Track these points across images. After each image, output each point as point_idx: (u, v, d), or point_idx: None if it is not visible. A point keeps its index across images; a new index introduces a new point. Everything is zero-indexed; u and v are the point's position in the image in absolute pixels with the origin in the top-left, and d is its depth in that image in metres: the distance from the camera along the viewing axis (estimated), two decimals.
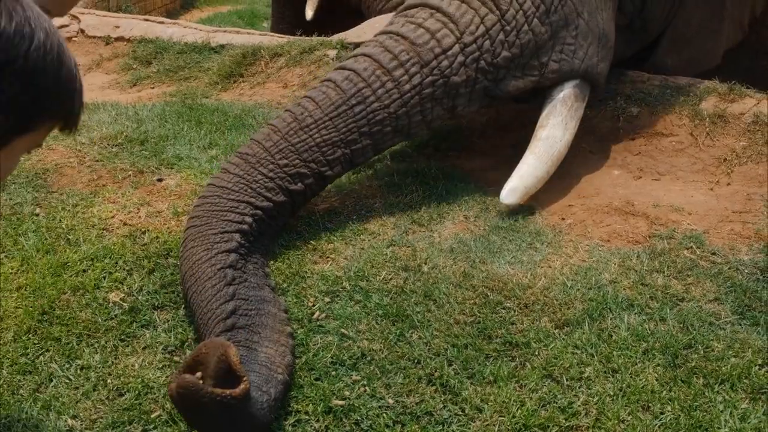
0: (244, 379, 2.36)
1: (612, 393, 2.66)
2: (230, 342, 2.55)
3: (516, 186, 3.85)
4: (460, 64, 3.76)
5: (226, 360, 2.37)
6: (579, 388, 2.70)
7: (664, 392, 2.66)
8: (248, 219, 3.28)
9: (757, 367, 2.76)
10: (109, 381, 2.79)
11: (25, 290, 3.25)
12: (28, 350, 2.94)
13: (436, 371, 2.77)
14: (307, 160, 3.53)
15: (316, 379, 2.76)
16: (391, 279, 3.30)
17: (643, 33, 4.79)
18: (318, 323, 3.05)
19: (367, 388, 2.71)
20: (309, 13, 6.79)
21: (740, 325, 3.01)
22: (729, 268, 3.34)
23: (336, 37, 6.64)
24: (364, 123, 3.64)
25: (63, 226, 3.66)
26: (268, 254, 3.42)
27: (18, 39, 1.59)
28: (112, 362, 2.88)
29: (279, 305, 3.01)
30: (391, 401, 2.66)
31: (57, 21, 8.06)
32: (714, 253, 3.46)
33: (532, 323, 3.01)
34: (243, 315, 2.87)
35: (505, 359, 2.84)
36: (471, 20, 3.81)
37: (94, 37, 7.84)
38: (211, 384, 2.34)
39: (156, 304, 3.18)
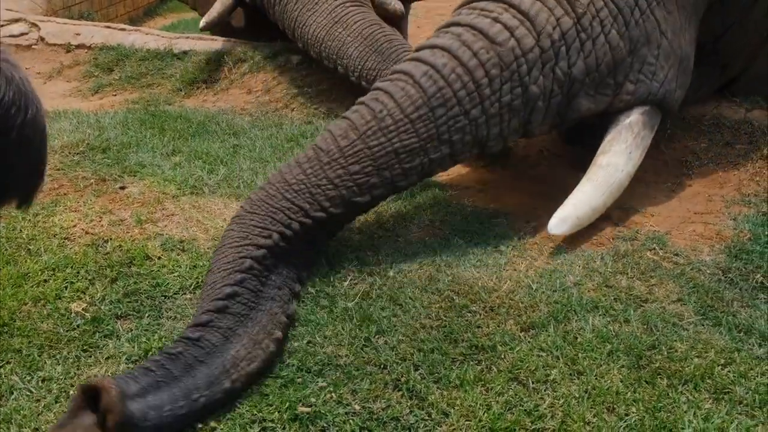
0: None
1: (577, 395, 2.67)
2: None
3: (567, 215, 3.53)
4: (538, 71, 3.45)
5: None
6: (545, 390, 2.71)
7: (629, 393, 2.67)
8: (295, 225, 3.15)
9: (720, 367, 2.79)
10: (71, 393, 2.74)
11: None
12: None
13: (402, 376, 2.77)
14: (381, 167, 3.28)
15: (282, 386, 2.74)
16: (356, 284, 3.29)
17: (716, 65, 4.38)
18: None
19: (333, 394, 2.70)
20: (201, 23, 6.67)
21: (703, 325, 3.04)
22: (691, 269, 3.38)
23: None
24: (445, 129, 3.35)
25: (23, 236, 3.61)
26: (310, 260, 3.33)
27: (14, 109, 1.46)
28: (75, 373, 2.84)
29: (286, 310, 3.00)
30: (357, 407, 2.65)
31: (17, 28, 7.97)
32: (677, 254, 3.49)
33: (498, 326, 3.02)
34: (240, 303, 2.87)
35: (471, 363, 2.84)
36: (546, 20, 3.46)
37: (55, 44, 7.75)
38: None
39: (119, 313, 3.14)
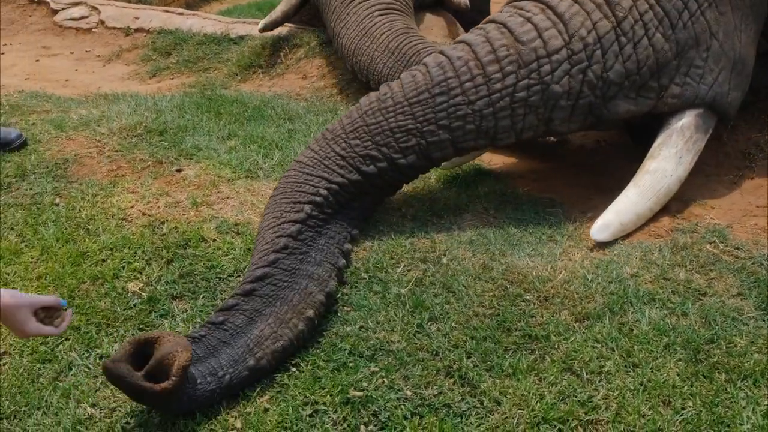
0: (171, 380, 2.41)
1: (632, 387, 2.63)
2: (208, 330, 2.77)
3: (610, 222, 3.49)
4: (564, 72, 3.44)
5: (171, 363, 2.44)
6: (599, 382, 2.67)
7: (686, 387, 2.63)
8: (322, 191, 3.30)
9: None
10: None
11: (45, 279, 3.26)
12: (48, 339, 2.95)
13: (454, 363, 2.76)
14: (379, 144, 3.43)
15: (334, 370, 2.75)
16: (410, 270, 3.28)
17: None
18: (337, 314, 3.04)
19: (385, 379, 2.70)
20: (260, 24, 6.58)
21: (763, 320, 2.96)
22: (752, 263, 3.30)
23: None
24: (444, 116, 3.43)
25: (82, 215, 3.67)
26: (352, 233, 3.42)
27: None
28: None
29: (325, 287, 3.03)
30: (409, 393, 2.65)
31: (77, 12, 8.10)
32: (737, 248, 3.41)
33: (552, 316, 2.99)
34: (270, 284, 2.93)
35: (524, 352, 2.82)
36: (582, 23, 3.45)
37: (114, 28, 7.86)
38: (145, 371, 2.45)
39: (174, 294, 3.18)
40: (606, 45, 3.46)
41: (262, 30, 6.60)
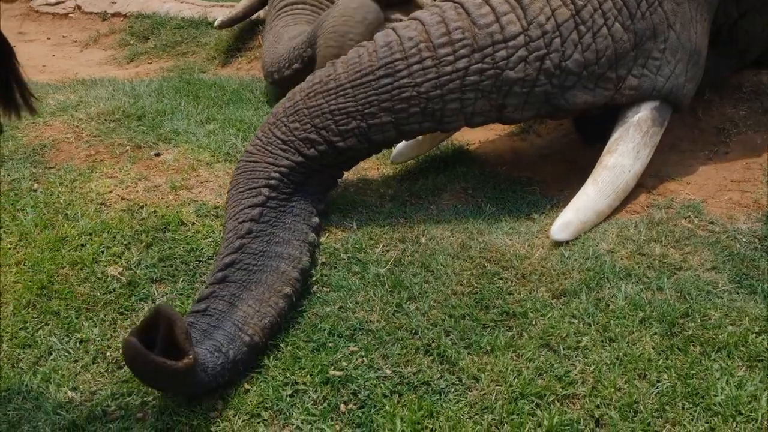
0: (189, 355, 2.39)
1: (609, 362, 2.67)
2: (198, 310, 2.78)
3: (570, 221, 3.40)
4: (520, 58, 3.35)
5: (171, 333, 2.41)
6: (576, 357, 2.70)
7: (661, 361, 2.66)
8: (274, 174, 3.28)
9: (754, 335, 2.76)
10: (108, 354, 2.81)
11: (24, 265, 3.26)
12: (28, 324, 2.96)
13: (433, 341, 2.78)
14: (318, 127, 3.37)
15: (314, 350, 2.77)
16: (388, 251, 3.30)
17: (734, 49, 4.24)
18: (316, 295, 3.05)
19: (364, 358, 2.72)
20: (218, 21, 6.55)
21: (737, 293, 3.01)
22: (727, 237, 3.34)
23: None
24: (387, 98, 3.34)
25: (61, 201, 3.66)
26: (321, 204, 3.45)
27: None
28: (111, 335, 2.90)
29: (297, 264, 3.04)
30: (388, 371, 2.67)
31: None
32: (712, 222, 3.45)
33: (530, 293, 3.02)
34: (241, 269, 2.94)
35: (502, 329, 2.84)
36: (540, 10, 3.37)
37: (91, 13, 7.81)
38: (159, 350, 2.39)
39: (154, 277, 3.19)
40: (565, 33, 3.40)
41: (220, 27, 6.56)
